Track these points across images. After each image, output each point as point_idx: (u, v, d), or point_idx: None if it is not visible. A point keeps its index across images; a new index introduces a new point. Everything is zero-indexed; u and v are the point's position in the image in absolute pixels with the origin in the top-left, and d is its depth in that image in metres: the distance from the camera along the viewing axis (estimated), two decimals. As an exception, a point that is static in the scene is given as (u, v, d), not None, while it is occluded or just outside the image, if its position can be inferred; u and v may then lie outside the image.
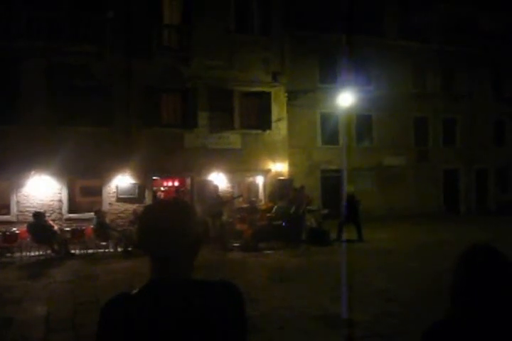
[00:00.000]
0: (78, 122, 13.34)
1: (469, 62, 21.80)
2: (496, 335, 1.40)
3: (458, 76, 22.15)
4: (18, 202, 13.14)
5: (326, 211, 14.66)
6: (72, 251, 11.96)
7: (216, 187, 14.36)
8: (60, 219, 13.31)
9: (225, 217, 13.50)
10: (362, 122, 20.15)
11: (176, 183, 17.26)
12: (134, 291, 1.39)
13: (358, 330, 5.62)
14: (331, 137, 19.68)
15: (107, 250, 12.34)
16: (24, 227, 11.93)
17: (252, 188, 16.61)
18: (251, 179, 16.51)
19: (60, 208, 13.54)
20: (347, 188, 14.13)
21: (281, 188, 15.38)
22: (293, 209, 12.87)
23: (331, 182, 19.09)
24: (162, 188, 17.40)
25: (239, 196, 14.88)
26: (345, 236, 13.20)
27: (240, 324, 1.42)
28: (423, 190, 20.99)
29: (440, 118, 21.78)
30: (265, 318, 6.15)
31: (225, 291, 1.43)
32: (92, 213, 12.70)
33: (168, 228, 1.39)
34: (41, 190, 13.27)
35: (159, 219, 1.41)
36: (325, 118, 19.56)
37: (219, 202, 13.52)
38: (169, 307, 1.33)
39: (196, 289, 1.39)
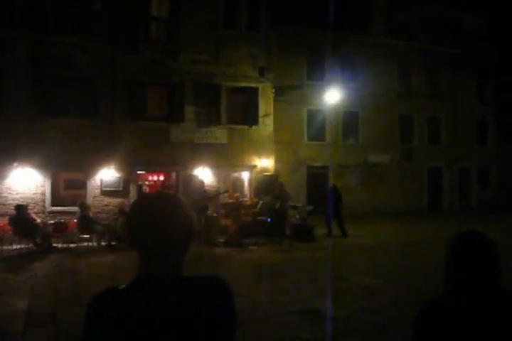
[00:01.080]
0: (62, 114, 13.21)
1: (454, 62, 22.03)
2: (486, 308, 1.57)
3: (443, 75, 22.38)
4: (0, 194, 12.96)
5: (310, 207, 14.72)
6: (55, 245, 11.82)
7: (202, 182, 14.30)
8: (43, 212, 13.19)
9: (209, 212, 13.47)
10: (348, 119, 20.29)
11: (162, 177, 17.17)
12: (122, 286, 1.37)
13: (339, 325, 5.67)
14: (317, 133, 19.78)
15: (90, 244, 12.22)
16: (6, 220, 11.76)
17: (238, 184, 16.61)
18: (236, 174, 16.51)
19: (43, 201, 13.41)
20: (332, 180, 14.30)
21: (266, 184, 15.40)
22: (278, 205, 12.89)
23: (316, 179, 19.20)
24: (147, 182, 17.30)
25: (225, 191, 14.86)
26: (334, 230, 13.41)
27: (229, 318, 1.41)
28: (407, 187, 21.21)
29: (425, 116, 22.01)
30: (248, 313, 6.18)
31: (214, 286, 1.42)
32: (76, 206, 12.58)
33: (158, 222, 1.36)
34: (24, 182, 13.13)
35: (149, 213, 1.38)
36: (312, 115, 19.63)
37: (205, 196, 13.47)
38: (158, 302, 1.31)
39: (185, 284, 1.38)
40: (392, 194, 20.68)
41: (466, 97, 22.54)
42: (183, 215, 1.41)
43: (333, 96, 17.46)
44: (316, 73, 19.66)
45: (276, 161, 16.92)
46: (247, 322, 5.76)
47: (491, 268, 1.61)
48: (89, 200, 13.70)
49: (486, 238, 1.66)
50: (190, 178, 14.85)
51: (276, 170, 16.59)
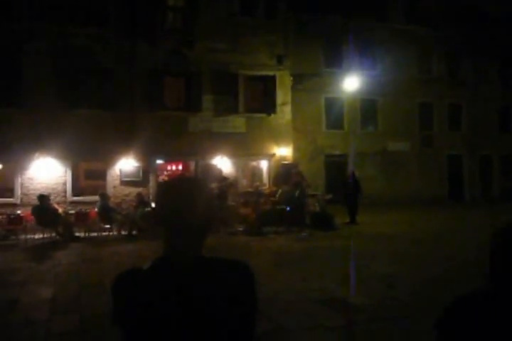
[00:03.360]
0: (82, 105, 13.32)
1: (475, 49, 21.53)
2: None
3: (464, 62, 21.91)
4: (22, 184, 13.20)
5: (329, 196, 14.64)
6: (77, 234, 12.01)
7: (220, 170, 14.30)
8: (64, 202, 13.37)
9: (228, 201, 13.51)
10: (367, 107, 20.05)
11: (180, 167, 17.26)
12: (146, 266, 1.40)
13: (360, 314, 5.65)
14: (335, 122, 19.61)
15: (110, 233, 12.39)
16: (29, 210, 11.97)
17: (256, 172, 16.59)
18: (255, 163, 16.47)
19: (65, 191, 13.59)
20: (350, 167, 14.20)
21: (285, 172, 15.34)
22: (297, 194, 12.85)
23: (335, 167, 19.06)
24: (165, 172, 17.41)
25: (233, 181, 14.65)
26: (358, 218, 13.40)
27: (250, 302, 1.43)
28: (427, 175, 20.93)
29: (445, 103, 21.61)
30: (268, 301, 6.18)
31: (237, 269, 1.44)
32: (96, 196, 12.72)
33: (180, 201, 1.40)
34: (45, 173, 13.32)
35: (172, 192, 1.44)
36: (330, 103, 19.45)
37: (225, 184, 13.49)
38: (181, 283, 1.34)
39: (209, 266, 1.40)
40: (412, 182, 20.44)
41: (488, 84, 22.06)
42: (204, 197, 1.45)
43: (351, 83, 17.25)
44: (334, 61, 19.42)
45: (295, 150, 16.84)
46: (268, 311, 5.78)
47: None
48: (109, 190, 13.84)
49: None
50: (209, 167, 14.88)
51: (294, 158, 16.51)
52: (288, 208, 12.65)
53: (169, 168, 17.53)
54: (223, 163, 15.02)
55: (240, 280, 1.41)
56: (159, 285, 1.34)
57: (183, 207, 1.39)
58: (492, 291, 1.43)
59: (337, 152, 19.39)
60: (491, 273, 1.47)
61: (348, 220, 13.52)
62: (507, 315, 1.35)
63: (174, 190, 1.45)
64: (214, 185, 13.35)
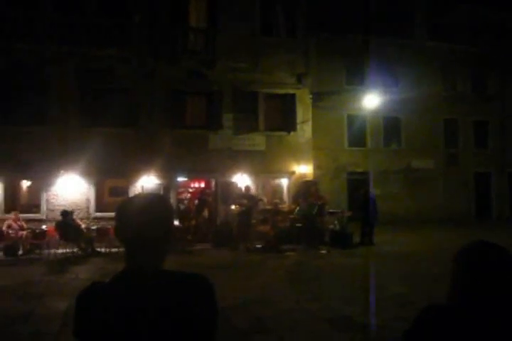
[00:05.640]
0: (105, 123, 13.69)
1: (501, 63, 21.23)
2: (494, 325, 1.43)
3: (489, 77, 21.62)
4: (47, 200, 13.58)
5: (349, 213, 14.51)
6: (98, 249, 12.25)
7: (248, 187, 14.21)
8: (87, 218, 13.67)
9: (252, 219, 13.52)
10: (390, 124, 19.93)
11: (202, 184, 17.46)
12: (107, 280, 1.47)
13: (370, 334, 5.59)
14: (357, 139, 19.54)
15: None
16: (53, 225, 12.31)
17: (277, 190, 16.62)
18: (275, 181, 16.51)
19: (88, 207, 13.90)
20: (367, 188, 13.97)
21: (304, 190, 15.31)
22: (315, 211, 12.84)
23: (357, 185, 18.91)
24: (190, 190, 17.64)
25: (260, 199, 14.71)
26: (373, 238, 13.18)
27: (209, 314, 1.46)
28: (453, 193, 20.52)
29: (471, 120, 21.27)
30: (277, 319, 6.19)
31: (194, 281, 1.47)
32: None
33: (134, 219, 1.47)
34: (70, 189, 13.68)
35: (128, 210, 1.50)
36: (352, 120, 19.43)
37: (252, 201, 13.46)
38: (140, 296, 1.39)
39: (167, 279, 1.44)
40: (437, 200, 20.07)
41: (515, 100, 21.65)
42: (160, 214, 1.51)
43: (372, 100, 17.24)
44: (355, 78, 19.47)
45: (317, 168, 16.82)
46: (274, 329, 5.78)
47: (501, 279, 1.46)
48: (132, 207, 14.04)
49: (498, 247, 1.52)
50: (229, 185, 15.00)
51: (315, 176, 16.48)
52: (300, 225, 12.61)
53: (192, 185, 17.76)
54: (243, 181, 15.12)
55: (198, 292, 1.44)
56: (116, 299, 1.39)
57: (138, 222, 1.46)
58: (454, 306, 1.50)
59: (360, 169, 19.27)
60: (451, 290, 1.54)
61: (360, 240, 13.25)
62: (467, 329, 1.44)
63: (130, 206, 1.52)
64: (242, 202, 13.34)
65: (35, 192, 13.85)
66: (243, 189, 14.10)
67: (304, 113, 16.27)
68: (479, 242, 1.55)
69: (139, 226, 1.46)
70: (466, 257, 1.54)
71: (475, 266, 1.49)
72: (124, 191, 14.39)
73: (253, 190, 15.43)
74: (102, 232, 12.68)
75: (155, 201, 1.55)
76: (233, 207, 13.82)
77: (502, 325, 1.42)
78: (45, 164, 13.18)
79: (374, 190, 14.44)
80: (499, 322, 1.42)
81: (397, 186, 19.83)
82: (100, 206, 14.09)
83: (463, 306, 1.49)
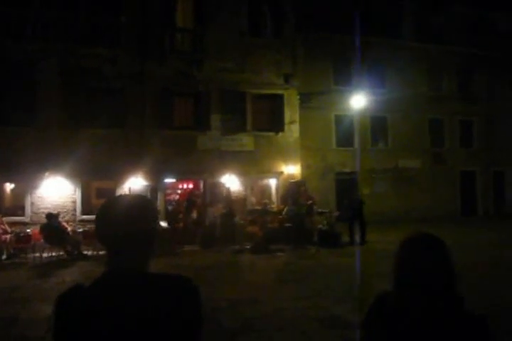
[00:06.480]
0: (91, 124, 13.53)
1: (488, 64, 21.47)
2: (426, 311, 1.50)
3: (475, 78, 21.84)
4: (32, 203, 13.36)
5: (337, 213, 14.52)
6: (85, 253, 12.08)
7: (228, 189, 14.34)
8: (73, 221, 13.48)
9: (236, 219, 13.54)
10: (377, 124, 20.04)
11: (191, 185, 17.36)
12: (88, 283, 1.41)
13: (357, 332, 5.56)
14: (345, 139, 19.60)
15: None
16: (37, 228, 12.09)
17: (265, 190, 16.59)
18: (264, 181, 16.49)
19: (74, 209, 13.72)
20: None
21: (292, 190, 15.32)
22: (304, 211, 12.83)
23: (345, 185, 18.96)
24: (178, 191, 17.55)
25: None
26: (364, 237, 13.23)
27: (193, 316, 1.41)
28: (439, 192, 20.71)
29: (456, 120, 21.50)
30: (266, 319, 6.15)
31: (180, 285, 1.42)
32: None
33: (113, 221, 1.42)
34: (55, 191, 13.48)
35: (108, 212, 1.45)
36: (339, 120, 19.49)
37: (230, 204, 13.58)
38: (121, 299, 1.34)
39: (150, 281, 1.40)
40: (424, 199, 20.21)
41: (500, 100, 21.89)
42: (141, 213, 1.46)
43: (359, 101, 17.30)
44: (343, 78, 19.53)
45: (305, 168, 16.82)
46: (264, 328, 5.73)
47: (434, 271, 1.52)
48: (119, 208, 13.89)
49: (435, 239, 1.60)
50: (217, 186, 14.94)
51: (304, 176, 16.48)
52: (289, 225, 12.62)
53: (180, 186, 17.65)
54: (232, 181, 15.06)
55: (182, 293, 1.40)
56: (96, 302, 1.34)
57: (118, 222, 1.41)
58: (400, 294, 1.57)
59: (347, 169, 19.32)
60: (395, 279, 1.61)
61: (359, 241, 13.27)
62: (399, 315, 1.52)
63: (111, 206, 1.47)
64: (221, 205, 13.43)
65: (20, 194, 13.61)
66: (224, 192, 14.17)
67: (291, 113, 16.27)
68: (418, 234, 1.66)
69: (118, 226, 1.41)
70: (401, 247, 1.63)
71: (406, 255, 1.59)
72: (111, 193, 14.20)
73: (242, 190, 15.40)
74: (88, 235, 12.48)
75: (137, 201, 1.50)
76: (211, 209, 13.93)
77: (422, 313, 1.49)
78: (29, 165, 12.95)
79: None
80: (420, 310, 1.49)
81: (385, 186, 19.93)
82: (87, 208, 13.89)
83: (396, 294, 1.58)
